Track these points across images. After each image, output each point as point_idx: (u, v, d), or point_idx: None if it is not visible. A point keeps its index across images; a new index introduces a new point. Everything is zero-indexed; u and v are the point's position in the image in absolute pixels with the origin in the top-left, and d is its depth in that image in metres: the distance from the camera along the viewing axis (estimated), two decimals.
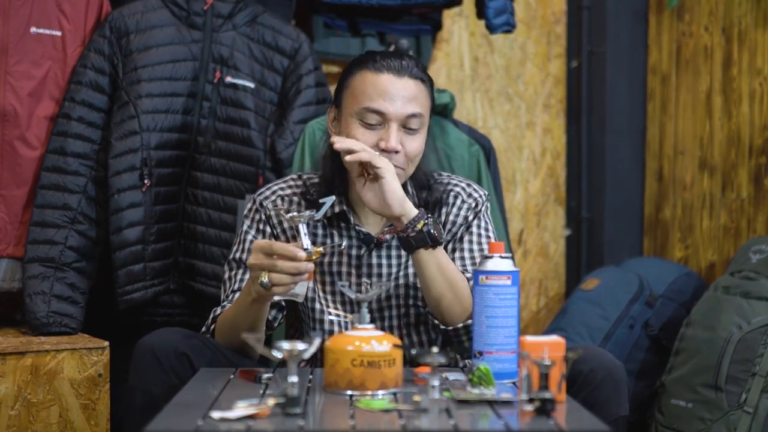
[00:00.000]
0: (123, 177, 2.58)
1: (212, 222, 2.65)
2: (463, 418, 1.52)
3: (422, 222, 1.95)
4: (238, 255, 2.10)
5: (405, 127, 2.03)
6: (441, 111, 2.86)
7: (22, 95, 2.54)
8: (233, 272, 2.10)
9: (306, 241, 1.82)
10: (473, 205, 2.14)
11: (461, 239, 2.12)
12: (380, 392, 1.66)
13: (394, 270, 2.11)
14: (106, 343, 2.48)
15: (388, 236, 2.07)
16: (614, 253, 3.62)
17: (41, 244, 2.55)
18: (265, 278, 1.81)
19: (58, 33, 2.59)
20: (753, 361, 2.79)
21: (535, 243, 3.68)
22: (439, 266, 1.98)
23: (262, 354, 1.61)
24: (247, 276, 2.00)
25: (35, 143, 2.57)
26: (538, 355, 1.56)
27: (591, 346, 1.92)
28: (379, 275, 2.11)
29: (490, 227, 2.16)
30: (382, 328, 2.09)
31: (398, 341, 1.71)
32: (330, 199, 1.91)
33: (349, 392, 1.66)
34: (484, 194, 2.18)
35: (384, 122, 2.02)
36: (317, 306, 2.11)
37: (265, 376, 1.79)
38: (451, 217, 2.14)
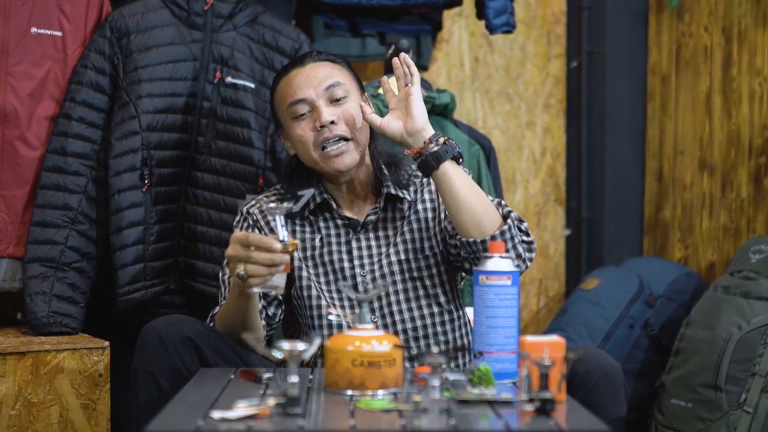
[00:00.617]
0: (123, 177, 2.58)
1: (212, 222, 2.65)
2: (463, 418, 1.52)
3: (442, 138, 2.03)
4: None
5: (332, 100, 2.13)
6: (441, 111, 2.86)
7: (23, 95, 2.54)
8: (226, 276, 2.13)
9: (282, 233, 1.84)
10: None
11: None
12: (380, 392, 1.66)
13: (383, 250, 2.15)
14: (107, 343, 2.48)
15: (411, 155, 2.10)
16: (614, 253, 3.62)
17: (42, 244, 2.55)
18: (241, 270, 1.83)
19: (59, 33, 2.59)
20: (753, 360, 2.79)
21: (535, 243, 3.67)
22: (466, 179, 2.03)
23: (263, 354, 1.61)
24: None
25: (36, 143, 2.57)
26: (538, 355, 1.56)
27: (588, 346, 1.92)
28: (370, 256, 2.14)
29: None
30: (384, 308, 2.11)
31: (398, 341, 1.71)
32: (309, 192, 1.94)
33: (349, 392, 1.67)
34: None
35: (311, 107, 2.13)
36: (314, 303, 2.12)
37: (265, 376, 1.79)
38: (431, 195, 2.19)
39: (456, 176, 2.01)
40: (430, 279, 2.14)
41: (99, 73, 2.60)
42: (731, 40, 3.33)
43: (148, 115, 2.59)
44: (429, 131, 2.04)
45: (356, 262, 2.14)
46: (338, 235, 2.16)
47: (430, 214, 2.18)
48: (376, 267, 2.14)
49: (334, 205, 2.16)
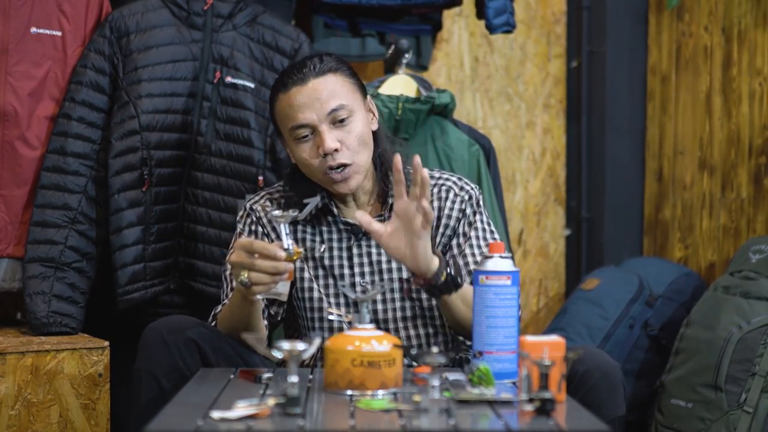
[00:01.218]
0: (123, 177, 2.58)
1: (212, 222, 2.65)
2: (463, 418, 1.52)
3: (445, 273, 1.94)
4: None
5: (335, 122, 2.07)
6: (441, 111, 2.86)
7: (23, 95, 2.54)
8: (229, 273, 2.12)
9: (287, 241, 1.83)
10: (467, 197, 2.17)
11: (466, 235, 2.14)
12: (380, 392, 1.66)
13: (383, 258, 2.13)
14: (106, 343, 2.48)
15: (412, 286, 2.07)
16: (614, 253, 3.62)
17: (41, 244, 2.55)
18: (245, 277, 1.82)
19: (58, 33, 2.59)
20: (753, 361, 2.79)
21: (535, 243, 3.68)
22: (463, 299, 1.99)
23: (263, 354, 1.61)
24: None
25: (35, 143, 2.57)
26: (538, 355, 1.56)
27: (588, 346, 1.92)
28: (370, 264, 2.13)
29: (490, 220, 2.20)
30: (380, 322, 2.10)
31: (398, 341, 1.71)
32: (314, 200, 1.93)
33: (349, 392, 1.67)
34: (476, 188, 2.21)
35: (313, 130, 2.07)
36: (316, 305, 2.12)
37: (265, 376, 1.79)
38: (446, 211, 2.16)
39: (455, 304, 1.99)
40: (428, 300, 2.12)
41: (99, 73, 2.60)
42: (731, 40, 3.33)
43: (148, 115, 2.59)
44: (432, 268, 1.93)
45: (356, 269, 2.13)
46: (339, 240, 2.15)
47: (431, 232, 2.15)
48: (377, 278, 2.13)
49: (335, 210, 2.15)
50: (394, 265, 2.12)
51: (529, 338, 1.63)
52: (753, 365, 2.79)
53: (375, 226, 1.93)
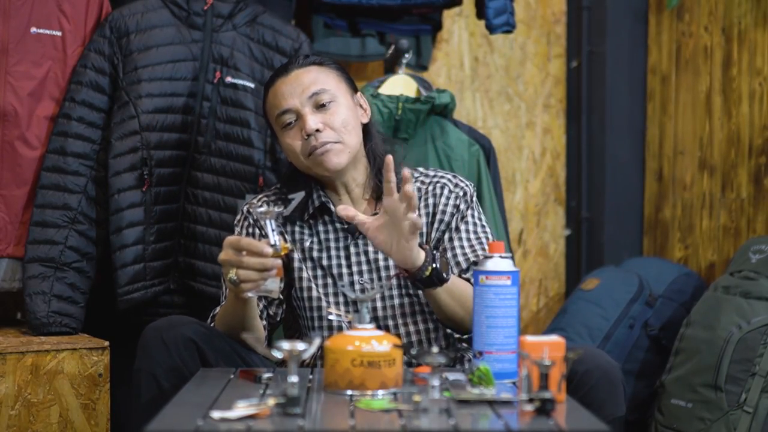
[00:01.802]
0: (123, 177, 2.58)
1: (212, 222, 2.65)
2: (463, 418, 1.52)
3: (430, 269, 1.93)
4: None
5: (318, 106, 2.12)
6: (441, 111, 2.86)
7: (22, 95, 2.54)
8: None
9: (273, 237, 1.83)
10: (461, 193, 2.19)
11: (458, 229, 2.15)
12: (380, 392, 1.66)
13: (381, 256, 2.14)
14: (107, 343, 2.48)
15: (393, 281, 2.09)
16: (614, 253, 3.62)
17: (41, 243, 2.55)
18: (233, 274, 1.82)
19: (58, 33, 2.59)
20: (753, 361, 2.79)
21: (535, 243, 3.68)
22: (449, 292, 1.99)
23: (263, 354, 1.61)
24: None
25: (35, 143, 2.57)
26: (538, 355, 1.56)
27: (587, 346, 1.92)
28: (368, 262, 2.14)
29: (482, 216, 2.22)
30: (379, 318, 2.10)
31: (398, 341, 1.71)
32: (299, 195, 1.93)
33: (349, 392, 1.67)
34: (470, 184, 2.23)
35: (297, 115, 2.12)
36: (315, 304, 2.12)
37: (265, 376, 1.79)
38: (441, 207, 2.17)
39: (440, 297, 1.98)
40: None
41: (99, 73, 2.60)
42: (731, 40, 3.33)
43: (148, 115, 2.59)
44: (417, 263, 1.91)
45: (354, 269, 2.14)
46: (336, 240, 2.16)
47: (426, 228, 2.17)
48: (374, 276, 2.13)
49: (332, 208, 2.15)
50: (391, 262, 2.13)
51: (529, 338, 1.63)
52: (753, 365, 2.79)
53: (360, 217, 1.93)
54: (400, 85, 2.87)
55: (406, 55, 2.90)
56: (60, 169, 2.57)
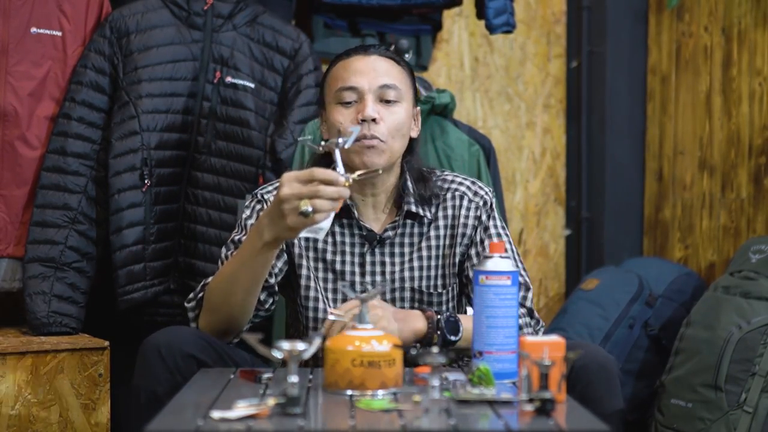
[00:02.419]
0: (123, 177, 2.58)
1: (212, 222, 2.65)
2: (463, 418, 1.52)
3: (435, 336, 1.97)
4: (237, 237, 2.09)
5: (382, 99, 2.05)
6: (441, 111, 2.86)
7: (23, 95, 2.54)
8: (230, 252, 2.08)
9: (341, 167, 1.82)
10: (481, 203, 2.14)
11: (482, 242, 2.12)
12: (380, 392, 1.66)
13: (397, 269, 2.10)
14: (106, 343, 2.48)
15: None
16: (614, 253, 3.62)
17: (41, 244, 2.55)
18: (307, 206, 1.79)
19: (59, 33, 2.59)
20: (753, 360, 2.79)
21: (535, 243, 3.68)
22: (467, 342, 1.98)
23: (263, 354, 1.61)
24: None
25: (35, 143, 2.57)
26: (538, 355, 1.56)
27: (582, 342, 1.91)
28: (383, 273, 2.11)
29: (501, 223, 2.17)
30: None
31: (398, 341, 1.71)
32: (356, 129, 1.91)
33: (349, 392, 1.67)
34: (489, 191, 2.18)
35: (360, 97, 2.05)
36: (319, 305, 2.11)
37: (265, 376, 1.79)
38: (461, 220, 2.13)
39: (461, 344, 2.00)
40: (438, 304, 2.11)
41: (99, 73, 2.60)
42: (731, 40, 3.33)
43: (148, 115, 2.59)
44: (419, 334, 1.96)
45: (368, 278, 2.10)
46: (353, 245, 2.11)
47: (447, 241, 2.13)
48: (388, 289, 2.10)
49: (356, 213, 2.10)
50: (407, 274, 2.11)
51: (529, 338, 1.63)
52: (753, 365, 2.79)
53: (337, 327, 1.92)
54: None
55: (406, 55, 2.90)
56: (60, 169, 2.57)
